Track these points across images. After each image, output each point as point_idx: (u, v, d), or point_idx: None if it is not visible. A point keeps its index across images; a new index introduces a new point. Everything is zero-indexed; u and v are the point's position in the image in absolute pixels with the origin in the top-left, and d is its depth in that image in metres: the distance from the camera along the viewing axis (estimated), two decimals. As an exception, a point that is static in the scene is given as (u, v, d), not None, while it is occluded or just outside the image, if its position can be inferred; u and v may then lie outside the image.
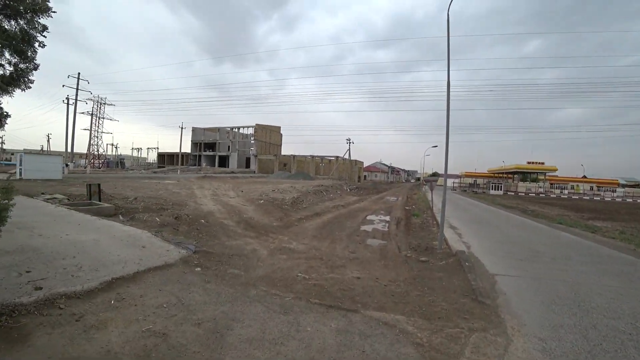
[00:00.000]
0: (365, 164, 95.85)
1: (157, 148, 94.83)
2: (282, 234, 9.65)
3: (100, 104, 73.73)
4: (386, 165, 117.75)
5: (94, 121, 72.87)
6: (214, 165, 74.09)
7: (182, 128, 54.44)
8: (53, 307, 3.77)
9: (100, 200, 11.99)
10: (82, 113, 59.12)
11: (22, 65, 4.38)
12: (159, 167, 79.67)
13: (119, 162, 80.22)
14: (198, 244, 7.22)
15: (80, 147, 69.89)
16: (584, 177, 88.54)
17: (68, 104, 40.76)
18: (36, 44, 4.45)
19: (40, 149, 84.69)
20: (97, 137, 74.40)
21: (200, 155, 78.41)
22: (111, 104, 76.07)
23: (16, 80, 4.35)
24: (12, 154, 73.60)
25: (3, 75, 4.25)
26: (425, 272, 6.32)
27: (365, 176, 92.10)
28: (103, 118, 75.21)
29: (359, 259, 7.19)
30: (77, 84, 41.66)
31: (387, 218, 15.51)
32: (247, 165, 75.41)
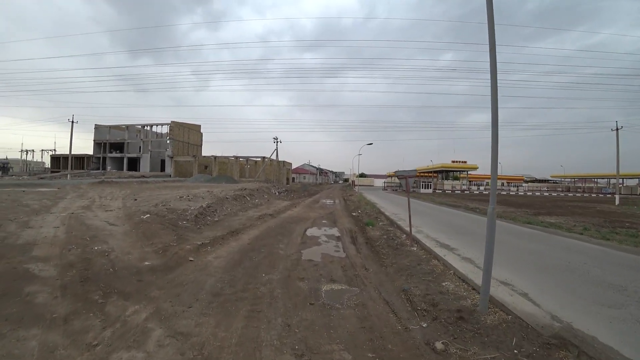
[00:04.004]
0: (294, 166, 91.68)
1: (54, 150, 79.83)
2: (146, 294, 4.52)
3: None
4: (314, 167, 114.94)
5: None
6: (122, 169, 63.73)
7: (72, 122, 44.30)
8: None
9: None
10: None
11: None
12: (52, 172, 66.52)
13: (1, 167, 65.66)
14: None
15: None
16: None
17: None
18: None
19: None
20: (-37, 136, 59.30)
21: (105, 158, 67.04)
22: (-17, 95, 61.27)
23: None
24: None
25: None
26: None
27: (293, 178, 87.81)
28: (-28, 112, 60.45)
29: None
30: None
31: (336, 232, 11.11)
32: (162, 168, 66.26)
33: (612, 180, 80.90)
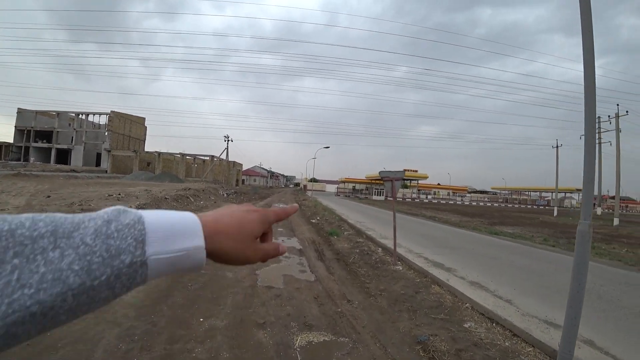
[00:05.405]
0: (244, 168, 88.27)
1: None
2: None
3: None
4: (265, 170, 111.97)
5: None
6: (50, 161, 56.52)
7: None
8: None
9: None
10: None
11: None
12: (-42, 161, 57.28)
13: None
14: None
15: None
16: (439, 184, 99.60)
17: None
18: None
19: None
20: None
21: (28, 147, 59.17)
22: None
23: None
24: None
25: None
26: None
27: (243, 180, 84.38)
28: None
29: None
30: None
31: (296, 243, 9.28)
32: (98, 162, 59.89)
33: (544, 194, 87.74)
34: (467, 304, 4.55)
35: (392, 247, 8.03)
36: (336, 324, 3.86)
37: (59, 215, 0.38)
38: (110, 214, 0.41)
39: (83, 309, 0.37)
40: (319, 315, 4.10)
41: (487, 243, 10.39)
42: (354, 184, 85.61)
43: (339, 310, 4.30)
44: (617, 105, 30.00)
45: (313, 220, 15.00)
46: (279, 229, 11.78)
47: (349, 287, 5.44)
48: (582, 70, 2.78)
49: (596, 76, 2.77)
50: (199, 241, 0.44)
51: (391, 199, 5.06)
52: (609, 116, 31.25)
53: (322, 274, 6.08)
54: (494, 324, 3.96)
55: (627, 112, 29.68)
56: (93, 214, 0.41)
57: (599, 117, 39.06)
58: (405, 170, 71.83)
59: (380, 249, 8.60)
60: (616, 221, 23.97)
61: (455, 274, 6.04)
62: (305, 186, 76.57)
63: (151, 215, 0.42)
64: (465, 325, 3.88)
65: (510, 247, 9.99)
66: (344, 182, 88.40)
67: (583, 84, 2.84)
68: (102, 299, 0.38)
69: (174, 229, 0.43)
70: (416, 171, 73.23)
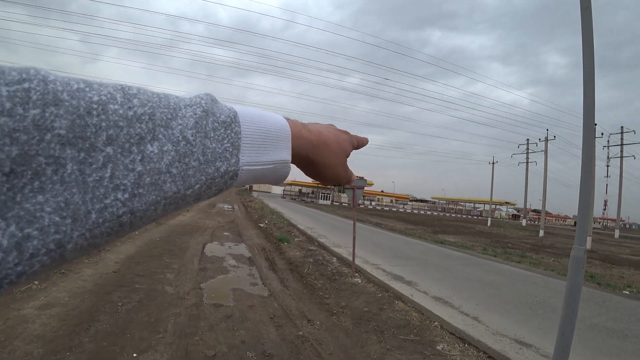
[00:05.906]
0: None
1: None
2: None
3: None
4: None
5: None
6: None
7: None
8: None
9: None
10: None
11: None
12: None
13: None
14: None
15: None
16: (382, 191, 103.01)
17: None
18: None
19: None
20: None
21: None
22: None
23: None
24: None
25: None
26: None
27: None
28: None
29: None
30: None
31: (244, 250, 8.59)
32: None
33: (477, 205, 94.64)
34: (435, 322, 4.28)
35: (347, 257, 7.71)
36: (299, 352, 3.35)
37: (149, 90, 0.28)
38: (206, 102, 0.31)
39: (157, 218, 0.28)
40: (278, 340, 3.55)
41: (437, 253, 10.50)
42: (300, 187, 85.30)
43: (300, 333, 3.79)
44: (547, 130, 32.96)
45: (261, 225, 14.29)
46: (224, 232, 10.97)
47: (307, 303, 4.95)
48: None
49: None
50: (287, 154, 0.38)
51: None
52: (539, 139, 34.14)
53: (276, 288, 5.52)
54: (466, 345, 3.72)
55: (554, 136, 32.69)
56: (186, 98, 0.31)
57: (527, 139, 42.82)
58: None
59: (335, 258, 8.22)
60: (541, 232, 26.10)
61: (417, 288, 5.80)
62: (250, 186, 74.75)
63: (245, 114, 0.35)
64: (438, 348, 3.59)
65: (459, 257, 10.16)
66: (290, 184, 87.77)
67: (582, 123, 2.65)
68: (180, 208, 0.30)
69: (268, 136, 0.36)
70: (362, 177, 74.91)
